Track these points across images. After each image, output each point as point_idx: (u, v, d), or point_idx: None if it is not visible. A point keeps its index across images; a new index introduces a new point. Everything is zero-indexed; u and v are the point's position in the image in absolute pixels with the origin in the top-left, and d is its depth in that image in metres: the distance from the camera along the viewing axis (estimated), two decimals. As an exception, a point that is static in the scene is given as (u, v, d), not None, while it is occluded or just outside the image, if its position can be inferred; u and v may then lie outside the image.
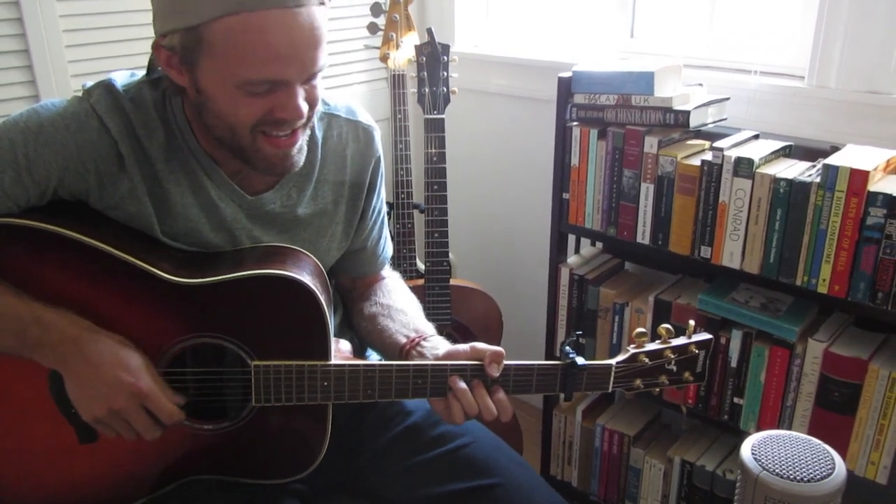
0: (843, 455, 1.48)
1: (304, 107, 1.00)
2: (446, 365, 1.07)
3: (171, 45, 0.97)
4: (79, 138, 1.02)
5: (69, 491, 1.09)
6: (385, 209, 1.33)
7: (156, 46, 0.99)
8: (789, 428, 1.54)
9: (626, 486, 1.89)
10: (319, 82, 1.04)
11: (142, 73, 1.10)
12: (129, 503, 1.11)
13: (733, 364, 1.59)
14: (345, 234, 1.24)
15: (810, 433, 1.51)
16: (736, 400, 1.62)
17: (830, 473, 0.94)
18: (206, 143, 1.08)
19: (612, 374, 1.10)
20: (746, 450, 0.98)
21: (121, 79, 1.07)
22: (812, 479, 0.93)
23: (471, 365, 1.07)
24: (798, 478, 0.94)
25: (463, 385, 1.06)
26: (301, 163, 1.08)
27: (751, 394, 1.59)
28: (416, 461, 1.18)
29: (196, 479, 1.12)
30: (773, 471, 0.95)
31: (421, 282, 1.92)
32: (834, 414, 1.47)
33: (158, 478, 1.10)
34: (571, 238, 1.95)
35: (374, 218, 1.29)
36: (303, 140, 1.07)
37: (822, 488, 0.92)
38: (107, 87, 1.05)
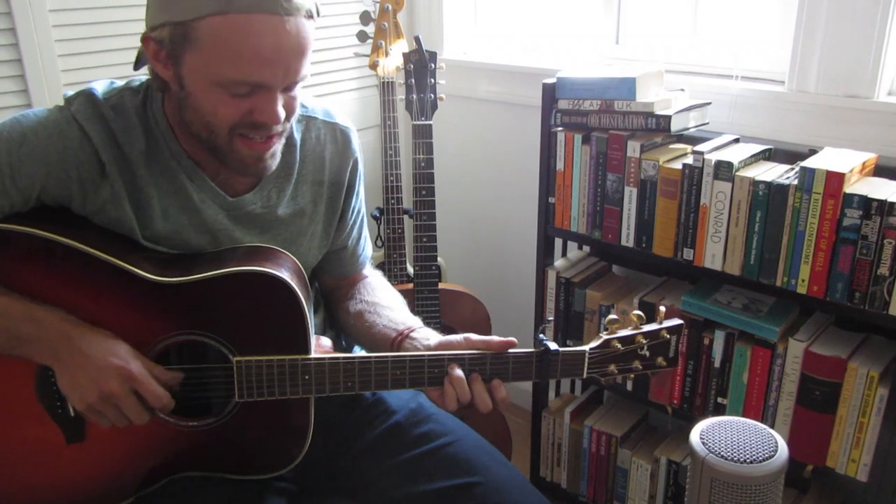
0: (825, 453, 1.51)
1: (282, 113, 1.03)
2: (424, 356, 1.10)
3: (159, 38, 1.00)
4: (60, 146, 1.04)
5: (56, 492, 1.11)
6: (364, 210, 1.36)
7: (145, 39, 1.02)
8: (772, 426, 1.56)
9: (614, 486, 1.91)
10: (299, 93, 1.07)
11: (122, 81, 1.13)
12: (116, 503, 1.13)
13: (717, 364, 1.62)
14: (325, 233, 1.26)
15: (792, 432, 1.54)
16: (720, 400, 1.64)
17: (773, 455, 0.98)
18: (188, 145, 1.11)
19: (586, 359, 1.12)
20: (695, 435, 1.02)
21: (101, 87, 1.10)
22: (755, 460, 0.97)
23: (469, 354, 1.10)
24: (742, 459, 0.97)
25: (459, 373, 1.08)
26: (273, 167, 1.11)
27: (734, 394, 1.61)
28: (399, 460, 1.20)
29: (182, 477, 1.14)
30: (719, 453, 0.98)
31: (410, 286, 1.94)
32: (815, 413, 1.50)
33: (145, 477, 1.12)
34: (560, 242, 1.98)
35: (353, 218, 1.31)
36: (277, 146, 1.10)
37: (764, 469, 0.97)
38: (87, 95, 1.08)
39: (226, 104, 1.01)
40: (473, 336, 1.12)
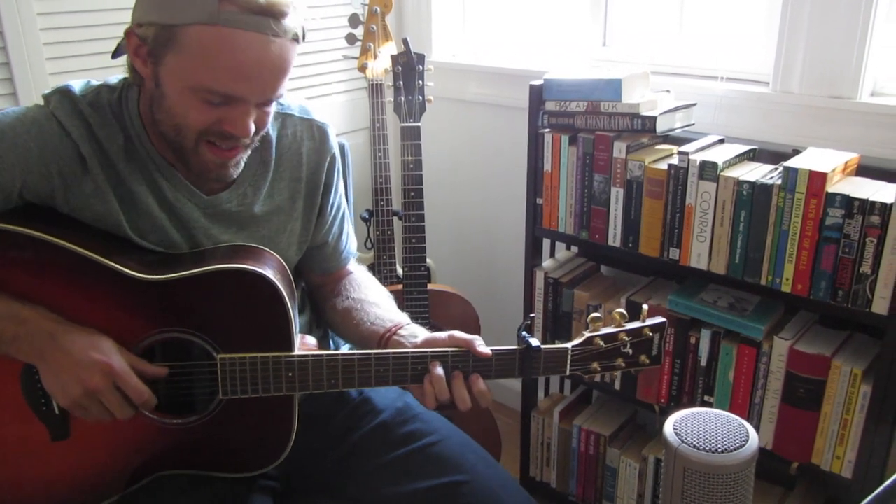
0: (810, 450, 1.52)
1: (252, 128, 1.05)
2: (407, 353, 1.11)
3: (144, 35, 1.01)
4: (40, 142, 1.05)
5: (42, 491, 1.11)
6: (345, 206, 1.36)
7: (129, 33, 1.03)
8: (758, 424, 1.58)
9: (603, 485, 1.92)
10: (272, 109, 1.09)
11: (98, 81, 1.14)
12: (101, 501, 1.13)
13: (703, 363, 1.63)
14: (304, 230, 1.27)
15: (778, 429, 1.56)
16: (707, 398, 1.65)
17: (744, 445, 1.00)
18: (160, 144, 1.12)
19: (569, 357, 1.13)
20: (669, 426, 1.04)
21: (78, 85, 1.11)
22: (726, 450, 0.99)
23: (452, 352, 1.11)
24: (713, 449, 0.99)
25: (439, 371, 1.09)
26: (235, 175, 1.13)
27: (720, 392, 1.62)
28: (385, 459, 1.21)
29: (167, 475, 1.15)
30: (692, 444, 1.00)
31: (400, 287, 1.95)
32: (800, 410, 1.51)
33: (130, 474, 1.13)
34: (548, 242, 1.99)
35: (333, 214, 1.32)
36: (242, 157, 1.11)
37: (735, 458, 0.99)
38: (64, 92, 1.09)
39: (197, 110, 1.02)
40: (458, 333, 1.13)
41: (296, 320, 1.12)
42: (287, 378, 1.09)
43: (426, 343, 1.14)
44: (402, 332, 1.20)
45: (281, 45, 1.00)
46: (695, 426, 1.03)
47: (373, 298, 1.31)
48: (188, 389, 1.12)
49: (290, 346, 1.10)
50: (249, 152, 1.13)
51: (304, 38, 1.05)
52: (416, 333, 1.19)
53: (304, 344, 1.14)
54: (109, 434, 1.08)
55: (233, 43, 0.97)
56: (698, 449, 1.00)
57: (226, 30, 0.96)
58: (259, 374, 1.09)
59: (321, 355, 1.10)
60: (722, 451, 0.99)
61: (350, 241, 1.39)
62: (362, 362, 1.10)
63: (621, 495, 1.89)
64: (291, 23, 1.00)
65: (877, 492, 0.69)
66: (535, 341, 1.11)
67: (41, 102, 1.10)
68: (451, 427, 1.27)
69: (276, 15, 0.98)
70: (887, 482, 0.68)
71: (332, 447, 1.24)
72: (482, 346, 1.11)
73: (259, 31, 0.97)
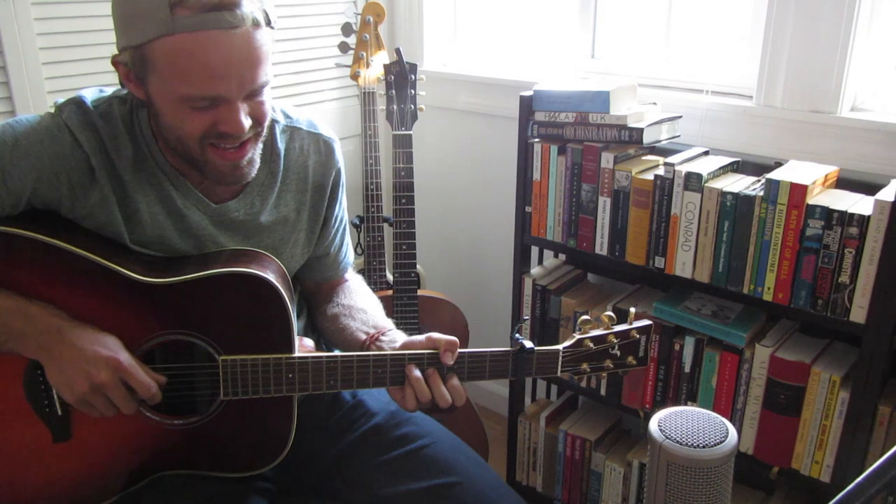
0: (790, 455, 1.56)
1: (247, 122, 1.06)
2: (404, 354, 1.14)
3: (124, 60, 1.04)
4: (52, 151, 1.07)
5: (42, 491, 1.13)
6: (346, 218, 1.40)
7: (114, 62, 1.06)
8: (739, 429, 1.62)
9: (589, 489, 1.95)
10: (267, 98, 1.10)
11: (110, 89, 1.16)
12: (101, 501, 1.15)
13: (687, 369, 1.67)
14: (307, 240, 1.30)
15: (759, 434, 1.60)
16: (690, 404, 1.69)
17: (723, 440, 1.05)
18: (170, 154, 1.14)
19: (560, 358, 1.17)
20: (654, 423, 1.09)
21: (90, 95, 1.13)
22: (707, 445, 1.04)
23: (427, 354, 1.14)
24: (695, 444, 1.04)
25: (417, 373, 1.13)
26: (252, 175, 1.14)
27: (703, 398, 1.66)
28: (379, 461, 1.23)
29: (166, 476, 1.16)
30: (675, 439, 1.05)
31: (390, 293, 1.97)
32: (780, 416, 1.55)
33: (130, 475, 1.15)
34: (536, 250, 2.03)
35: (336, 226, 1.35)
36: (252, 153, 1.12)
37: (715, 453, 1.05)
38: (77, 103, 1.11)
39: (191, 118, 1.04)
40: (435, 335, 1.16)
41: (295, 323, 1.14)
42: (287, 379, 1.12)
43: (404, 347, 1.17)
44: (383, 338, 1.23)
45: (245, 34, 1.00)
46: (678, 423, 1.08)
47: (361, 305, 1.34)
48: (190, 390, 1.14)
49: (290, 349, 1.13)
50: (260, 146, 1.14)
51: (270, 20, 1.05)
52: (395, 339, 1.22)
53: (303, 346, 1.17)
54: (110, 435, 1.09)
55: (195, 46, 0.98)
56: (681, 444, 1.05)
57: (185, 35, 0.98)
58: (260, 376, 1.11)
59: (320, 357, 1.12)
60: (703, 447, 1.04)
61: (349, 251, 1.42)
62: (361, 363, 1.13)
63: (606, 499, 1.92)
64: (248, 9, 1.00)
65: (848, 488, 0.72)
66: (528, 343, 1.15)
67: (53, 110, 1.12)
68: (443, 430, 1.30)
69: (228, 6, 0.98)
70: (857, 479, 0.72)
71: (327, 449, 1.27)
72: (448, 353, 1.13)
73: (216, 28, 0.98)
